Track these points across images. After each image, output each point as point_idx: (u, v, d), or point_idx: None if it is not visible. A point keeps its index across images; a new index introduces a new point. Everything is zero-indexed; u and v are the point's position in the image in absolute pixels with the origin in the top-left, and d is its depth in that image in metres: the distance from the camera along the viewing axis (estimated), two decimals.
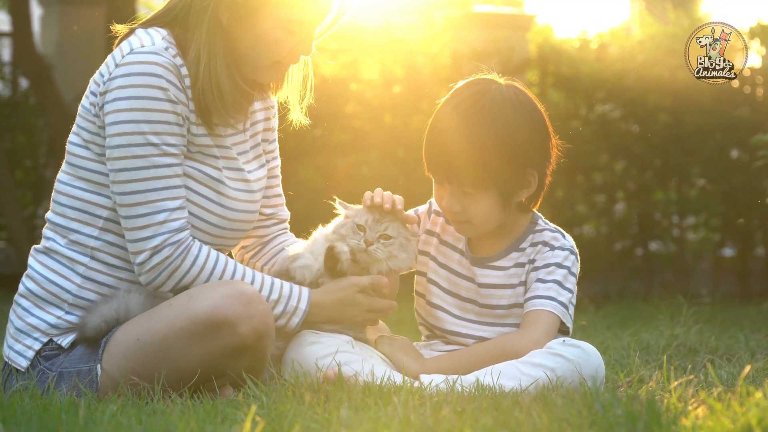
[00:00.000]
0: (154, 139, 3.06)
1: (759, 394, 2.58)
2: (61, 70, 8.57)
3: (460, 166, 3.19)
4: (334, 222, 3.29)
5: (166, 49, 3.09)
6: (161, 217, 3.08)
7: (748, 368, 3.38)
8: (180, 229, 3.10)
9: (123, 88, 3.05)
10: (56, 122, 7.81)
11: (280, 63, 3.20)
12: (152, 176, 3.07)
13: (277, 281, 3.18)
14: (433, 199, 3.39)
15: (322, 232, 3.30)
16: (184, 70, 3.10)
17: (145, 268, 3.10)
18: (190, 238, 3.12)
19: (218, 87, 3.12)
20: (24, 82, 8.39)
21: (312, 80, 3.35)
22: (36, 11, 9.13)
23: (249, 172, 3.27)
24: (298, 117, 3.36)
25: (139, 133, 3.05)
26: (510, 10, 9.12)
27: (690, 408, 2.68)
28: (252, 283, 3.14)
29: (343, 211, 3.28)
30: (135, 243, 3.10)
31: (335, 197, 3.30)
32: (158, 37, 3.11)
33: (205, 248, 3.14)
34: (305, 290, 3.20)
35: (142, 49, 3.08)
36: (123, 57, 3.08)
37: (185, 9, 3.15)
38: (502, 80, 3.28)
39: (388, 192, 3.26)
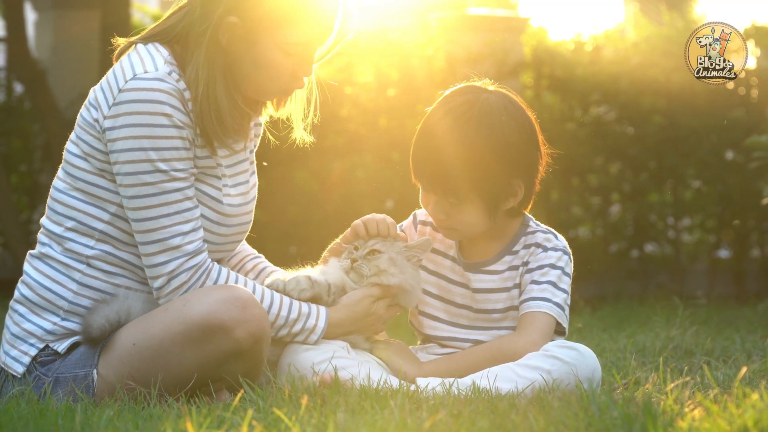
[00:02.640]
0: (162, 165, 3.06)
1: (755, 396, 2.58)
2: (55, 75, 8.55)
3: (445, 174, 3.17)
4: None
5: (170, 73, 3.08)
6: (176, 241, 3.08)
7: (744, 370, 3.38)
8: (196, 252, 3.10)
9: (128, 115, 3.04)
10: (51, 127, 7.79)
11: (285, 90, 3.19)
12: (163, 202, 3.07)
13: (296, 301, 3.18)
14: (416, 211, 3.40)
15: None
16: (187, 94, 3.09)
17: (163, 293, 3.10)
18: (209, 260, 3.13)
19: (216, 108, 3.10)
20: (19, 87, 8.37)
21: (317, 99, 3.33)
22: (30, 16, 9.11)
23: (245, 182, 3.27)
24: (301, 135, 3.35)
25: (148, 160, 3.05)
26: (504, 12, 9.12)
27: (686, 410, 2.68)
28: (271, 303, 3.15)
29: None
30: (152, 268, 3.10)
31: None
32: (161, 60, 3.10)
33: (225, 271, 3.14)
34: (323, 309, 3.20)
35: (146, 75, 3.06)
36: (126, 82, 3.06)
37: (186, 29, 3.13)
38: (492, 87, 3.27)
39: (383, 217, 3.26)
